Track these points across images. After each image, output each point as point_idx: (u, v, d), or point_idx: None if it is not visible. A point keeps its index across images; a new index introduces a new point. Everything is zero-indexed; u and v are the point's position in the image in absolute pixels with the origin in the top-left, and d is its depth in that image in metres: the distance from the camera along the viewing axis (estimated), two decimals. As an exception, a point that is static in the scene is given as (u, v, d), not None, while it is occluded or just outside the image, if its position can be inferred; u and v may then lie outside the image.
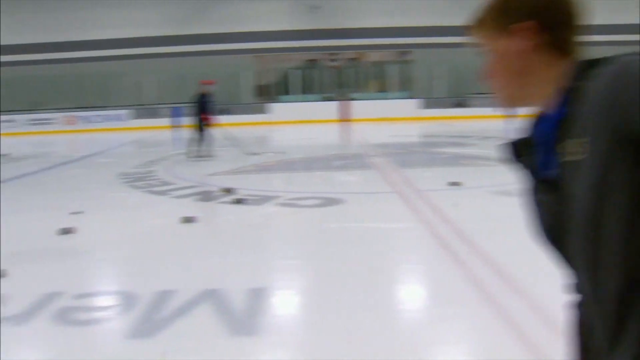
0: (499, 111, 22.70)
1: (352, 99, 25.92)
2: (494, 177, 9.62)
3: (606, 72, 0.97)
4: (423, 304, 4.50)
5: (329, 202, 7.84)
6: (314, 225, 6.74)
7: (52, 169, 13.61)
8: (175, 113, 23.36)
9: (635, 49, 1.02)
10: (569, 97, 1.06)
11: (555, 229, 1.11)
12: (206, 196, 8.69)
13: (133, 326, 3.94)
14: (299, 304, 4.44)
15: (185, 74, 27.54)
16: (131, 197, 9.21)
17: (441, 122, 23.77)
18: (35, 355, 3.76)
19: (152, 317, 4.09)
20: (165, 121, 23.62)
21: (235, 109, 24.49)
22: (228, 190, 8.75)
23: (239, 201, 8.06)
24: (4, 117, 24.75)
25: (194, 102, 13.74)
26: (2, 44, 28.80)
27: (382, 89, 29.24)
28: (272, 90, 28.46)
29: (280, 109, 26.22)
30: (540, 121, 1.16)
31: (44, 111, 27.50)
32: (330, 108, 25.63)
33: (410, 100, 26.66)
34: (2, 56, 28.84)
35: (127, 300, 4.43)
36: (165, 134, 21.76)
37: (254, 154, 13.82)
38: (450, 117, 24.61)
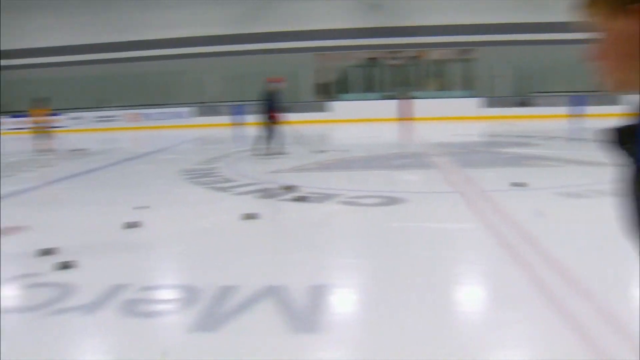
0: (566, 110, 22.20)
1: (413, 98, 25.69)
2: (559, 178, 9.40)
3: None
4: (484, 306, 4.39)
5: (390, 201, 7.79)
6: (375, 224, 6.69)
7: (117, 165, 13.97)
8: (236, 111, 23.69)
9: None
10: None
11: None
12: (268, 193, 8.74)
13: (196, 320, 3.99)
14: (358, 303, 4.41)
15: (246, 72, 27.86)
16: (194, 193, 9.35)
17: (504, 121, 23.31)
18: (101, 344, 3.84)
19: (215, 311, 4.14)
20: (226, 119, 23.96)
21: (294, 107, 24.61)
22: (289, 188, 8.79)
23: (300, 199, 8.09)
24: (72, 115, 25.52)
25: (262, 100, 13.74)
26: (69, 44, 29.83)
27: (443, 88, 28.90)
28: (332, 89, 28.47)
29: (340, 107, 26.22)
30: None
31: (110, 108, 28.29)
32: (390, 106, 25.48)
33: (472, 99, 26.25)
34: (69, 56, 29.85)
35: (190, 294, 4.49)
36: (226, 131, 22.07)
37: (320, 151, 13.84)
38: (513, 117, 24.12)
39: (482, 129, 21.30)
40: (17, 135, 26.14)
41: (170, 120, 27.10)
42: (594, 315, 3.73)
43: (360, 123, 24.10)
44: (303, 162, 12.27)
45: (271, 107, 13.55)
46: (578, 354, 3.25)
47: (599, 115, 17.53)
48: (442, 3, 26.99)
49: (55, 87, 23.80)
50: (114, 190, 10.18)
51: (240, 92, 27.05)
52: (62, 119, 25.32)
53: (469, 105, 25.66)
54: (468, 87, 28.10)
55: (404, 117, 24.48)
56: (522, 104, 25.34)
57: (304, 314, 4.02)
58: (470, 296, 4.55)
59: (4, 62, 31.30)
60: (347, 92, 28.44)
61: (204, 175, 10.95)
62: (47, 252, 5.77)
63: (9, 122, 27.88)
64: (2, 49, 31.16)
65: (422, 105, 25.16)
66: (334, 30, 28.56)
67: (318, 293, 4.40)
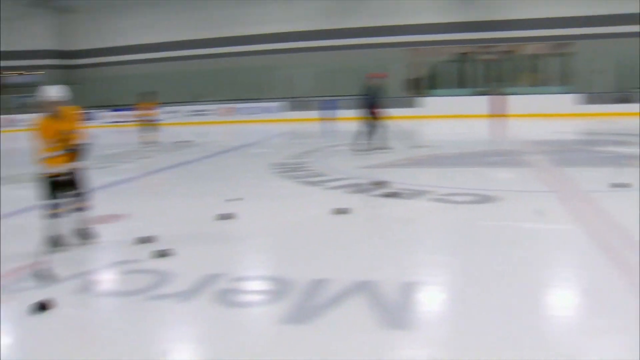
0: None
1: (506, 94, 25.01)
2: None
3: None
4: (577, 312, 4.19)
5: (483, 199, 7.61)
6: (467, 222, 6.56)
7: (211, 158, 14.34)
8: (326, 106, 23.79)
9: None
10: None
11: None
12: (358, 189, 8.73)
13: (288, 312, 4.04)
14: (448, 301, 4.34)
15: (336, 67, 27.95)
16: (284, 187, 9.47)
17: (603, 118, 22.31)
18: (195, 332, 3.94)
19: (306, 304, 4.17)
20: (316, 113, 24.12)
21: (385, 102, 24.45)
22: (380, 184, 8.75)
23: (391, 195, 8.04)
24: (169, 108, 26.37)
25: (364, 95, 13.63)
26: (166, 41, 30.93)
27: (538, 83, 27.95)
28: (422, 84, 28.12)
29: (431, 103, 25.86)
30: None
31: (203, 103, 29.09)
32: (482, 103, 24.92)
33: (568, 95, 25.24)
34: (166, 52, 30.96)
35: (282, 286, 4.55)
36: (316, 126, 22.22)
37: (418, 147, 13.70)
38: (614, 114, 23.01)
39: (579, 126, 20.47)
40: (117, 128, 27.35)
41: (260, 114, 27.58)
42: None
43: (451, 119, 23.71)
44: (397, 157, 12.18)
45: (373, 103, 13.46)
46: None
47: None
48: (539, -5, 26.16)
49: (153, 82, 24.62)
50: (207, 183, 10.46)
51: (330, 87, 27.17)
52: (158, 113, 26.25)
53: (566, 101, 24.66)
54: (564, 82, 27.05)
55: (497, 114, 23.88)
56: (623, 100, 24.10)
57: (395, 311, 3.99)
58: (564, 300, 4.35)
59: (104, 59, 32.79)
60: (438, 87, 28.00)
61: (294, 169, 11.07)
62: (145, 240, 5.99)
63: (109, 115, 29.19)
64: (102, 46, 32.68)
65: (515, 102, 24.45)
66: (426, 25, 28.20)
67: (409, 289, 4.37)
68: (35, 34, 32.36)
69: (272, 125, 24.53)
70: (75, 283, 4.84)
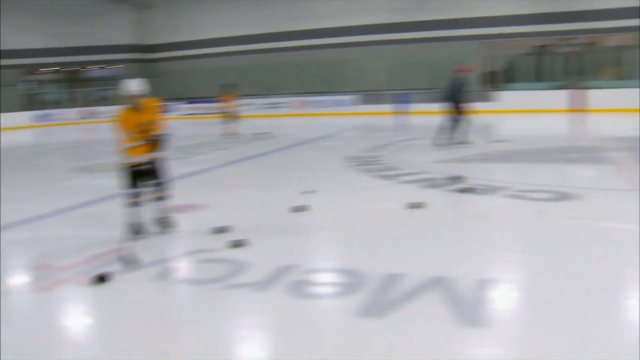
0: None
1: (587, 88, 24.16)
2: None
3: None
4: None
5: (561, 196, 7.39)
6: (547, 220, 6.37)
7: (285, 150, 14.47)
8: (399, 99, 23.60)
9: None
10: None
11: None
12: (433, 183, 8.63)
13: (361, 305, 4.04)
14: (523, 300, 4.23)
15: (410, 61, 27.68)
16: (358, 180, 9.46)
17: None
18: (269, 321, 4.00)
19: (380, 298, 4.16)
20: (389, 107, 23.96)
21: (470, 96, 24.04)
22: (456, 179, 8.63)
23: (467, 190, 7.92)
24: (244, 101, 26.78)
25: (449, 89, 13.33)
26: (239, 34, 31.40)
27: (622, 77, 26.85)
28: (499, 78, 27.50)
29: (508, 97, 25.25)
30: None
31: (277, 95, 29.38)
32: (561, 97, 24.14)
33: (655, 89, 24.16)
34: (240, 46, 31.43)
35: (356, 279, 4.55)
36: (389, 119, 22.09)
37: (498, 141, 13.43)
38: None
39: (665, 122, 19.60)
40: (193, 120, 27.98)
41: (333, 107, 27.62)
42: None
43: (528, 114, 23.10)
44: (473, 152, 11.96)
45: (458, 97, 13.21)
46: None
47: None
48: (623, -16, 25.07)
49: (227, 74, 25.01)
50: (281, 174, 10.56)
51: (403, 81, 26.94)
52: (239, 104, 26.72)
53: (651, 96, 23.64)
54: (651, 76, 25.89)
55: (577, 109, 23.11)
56: None
57: (469, 308, 3.93)
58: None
59: (180, 53, 33.57)
60: (515, 81, 27.31)
61: (368, 163, 11.04)
62: (221, 230, 6.12)
63: (185, 108, 29.88)
64: (178, 40, 33.47)
65: (597, 96, 23.57)
66: (502, 17, 27.52)
67: (484, 287, 4.30)
68: (116, 29, 33.48)
69: (345, 119, 24.53)
70: (155, 270, 5.00)
